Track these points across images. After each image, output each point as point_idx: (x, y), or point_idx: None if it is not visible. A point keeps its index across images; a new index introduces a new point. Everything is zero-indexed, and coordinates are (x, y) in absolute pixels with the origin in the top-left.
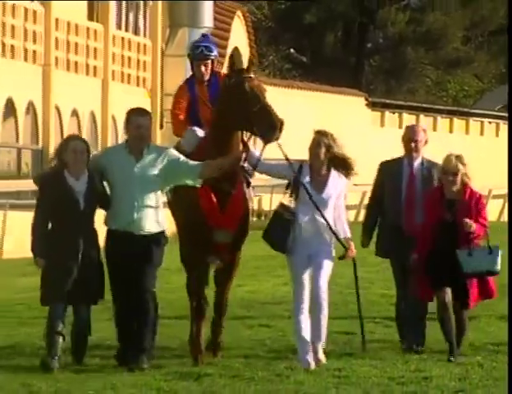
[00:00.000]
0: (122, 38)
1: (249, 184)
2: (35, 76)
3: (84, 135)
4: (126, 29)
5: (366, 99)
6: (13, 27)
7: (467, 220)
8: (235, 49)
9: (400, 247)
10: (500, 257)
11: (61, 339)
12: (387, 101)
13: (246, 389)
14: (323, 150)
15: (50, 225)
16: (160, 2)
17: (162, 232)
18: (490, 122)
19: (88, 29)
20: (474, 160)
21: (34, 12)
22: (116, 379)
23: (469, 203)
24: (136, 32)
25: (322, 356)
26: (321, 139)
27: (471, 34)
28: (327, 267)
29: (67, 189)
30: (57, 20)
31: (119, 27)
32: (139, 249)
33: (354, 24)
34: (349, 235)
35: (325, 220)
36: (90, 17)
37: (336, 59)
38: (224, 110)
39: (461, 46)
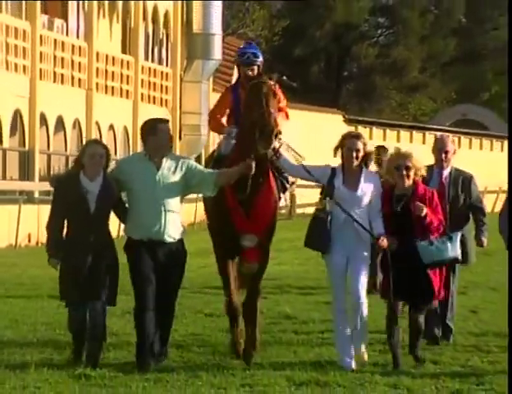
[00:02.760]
0: (149, 68)
1: (285, 190)
2: (80, 98)
3: (119, 146)
4: (152, 60)
5: (343, 117)
6: (62, 59)
7: (418, 203)
8: None
9: None
10: (459, 241)
11: (98, 344)
12: (360, 118)
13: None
14: (361, 153)
15: (66, 226)
16: (179, 38)
17: (182, 240)
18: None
19: (122, 60)
20: None
21: (80, 47)
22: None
23: (423, 198)
24: (160, 62)
25: (364, 356)
26: (358, 144)
27: (427, 65)
28: (365, 271)
29: (80, 190)
30: (97, 53)
31: (146, 58)
32: (164, 256)
33: (334, 57)
34: (382, 231)
35: (356, 221)
36: (123, 51)
37: (319, 85)
38: (243, 112)
39: (419, 74)
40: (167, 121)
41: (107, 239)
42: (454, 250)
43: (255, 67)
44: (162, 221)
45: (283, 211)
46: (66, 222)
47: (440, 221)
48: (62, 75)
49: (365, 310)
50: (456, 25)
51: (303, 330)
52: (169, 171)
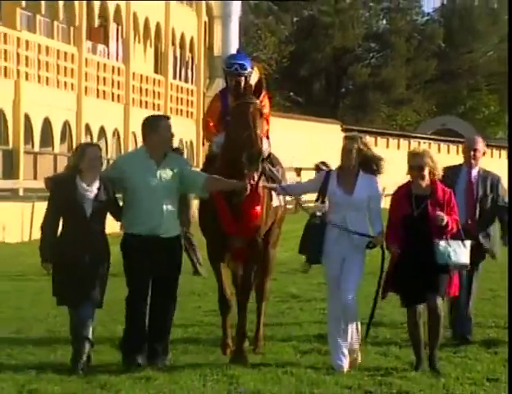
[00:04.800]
0: (177, 85)
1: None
2: (119, 111)
3: None
4: (180, 79)
5: (341, 126)
6: (104, 78)
7: (439, 213)
8: None
9: None
10: (469, 250)
11: (87, 344)
12: (355, 128)
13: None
14: (354, 155)
15: (61, 228)
16: (202, 60)
17: (179, 236)
18: (424, 142)
19: (154, 79)
20: None
21: (119, 68)
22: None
23: (441, 199)
24: (186, 81)
25: (357, 356)
26: (352, 145)
27: (411, 83)
28: (357, 273)
29: (77, 194)
30: (133, 73)
31: (175, 77)
32: (161, 252)
33: (333, 76)
34: (380, 230)
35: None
36: (155, 71)
37: (320, 100)
38: (228, 131)
39: (405, 91)
40: (168, 118)
41: (103, 242)
42: (465, 257)
43: (242, 78)
44: (161, 217)
45: (290, 206)
46: (61, 222)
47: (456, 222)
48: (104, 91)
49: (354, 312)
50: (436, 49)
51: (307, 307)
52: (168, 169)
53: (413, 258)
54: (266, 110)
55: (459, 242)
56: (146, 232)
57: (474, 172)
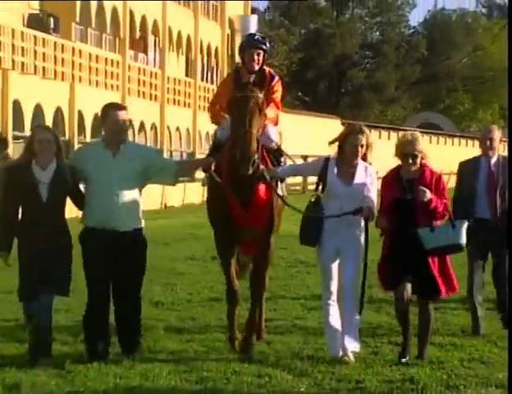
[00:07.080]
0: (204, 87)
1: (282, 180)
2: (156, 109)
3: (183, 144)
4: (207, 81)
5: (341, 121)
6: (144, 81)
7: (422, 188)
8: None
9: (479, 236)
10: (465, 229)
11: (48, 334)
12: (353, 122)
13: (270, 283)
14: (364, 148)
15: (20, 215)
16: (225, 66)
17: (141, 229)
18: None
19: (185, 81)
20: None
21: (156, 73)
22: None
23: (429, 182)
24: (212, 82)
25: (350, 356)
26: (362, 138)
27: (400, 85)
28: (356, 261)
29: (31, 179)
30: (168, 77)
31: (202, 80)
32: (118, 246)
33: (334, 79)
34: (370, 206)
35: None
36: (186, 75)
37: (324, 99)
38: (231, 120)
39: (394, 91)
40: (121, 107)
41: (62, 228)
42: (456, 237)
43: (261, 52)
44: (117, 209)
45: (298, 187)
46: (20, 210)
47: (445, 205)
48: (144, 92)
49: (353, 301)
50: (420, 56)
51: (313, 271)
52: (126, 159)
53: (404, 242)
54: (278, 94)
55: (445, 225)
56: (98, 225)
57: (493, 161)
